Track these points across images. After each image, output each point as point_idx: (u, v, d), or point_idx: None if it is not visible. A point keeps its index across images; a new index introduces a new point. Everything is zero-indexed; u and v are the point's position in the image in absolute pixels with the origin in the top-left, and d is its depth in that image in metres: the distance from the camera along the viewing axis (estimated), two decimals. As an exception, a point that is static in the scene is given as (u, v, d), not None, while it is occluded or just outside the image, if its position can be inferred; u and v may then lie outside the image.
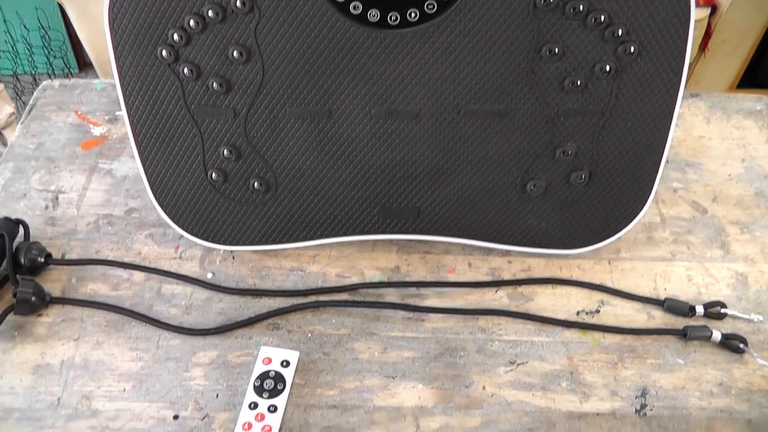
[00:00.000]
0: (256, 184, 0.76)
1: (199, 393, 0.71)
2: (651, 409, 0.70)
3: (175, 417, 0.70)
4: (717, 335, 0.74)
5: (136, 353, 0.74)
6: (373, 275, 0.81)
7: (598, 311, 0.78)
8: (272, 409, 0.69)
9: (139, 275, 0.81)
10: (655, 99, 0.70)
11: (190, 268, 0.82)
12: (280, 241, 0.81)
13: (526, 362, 0.74)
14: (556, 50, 0.67)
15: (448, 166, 0.74)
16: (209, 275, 0.81)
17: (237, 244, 0.82)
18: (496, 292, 0.80)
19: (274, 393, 0.70)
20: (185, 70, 0.69)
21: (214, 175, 0.76)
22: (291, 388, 0.71)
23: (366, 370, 0.73)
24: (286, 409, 0.69)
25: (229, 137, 0.74)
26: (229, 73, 0.70)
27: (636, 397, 0.71)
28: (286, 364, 0.72)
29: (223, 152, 0.75)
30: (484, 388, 0.72)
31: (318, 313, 0.78)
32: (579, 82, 0.68)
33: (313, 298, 0.79)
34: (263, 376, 0.71)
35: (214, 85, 0.70)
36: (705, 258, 0.83)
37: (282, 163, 0.75)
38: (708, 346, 0.75)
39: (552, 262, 0.82)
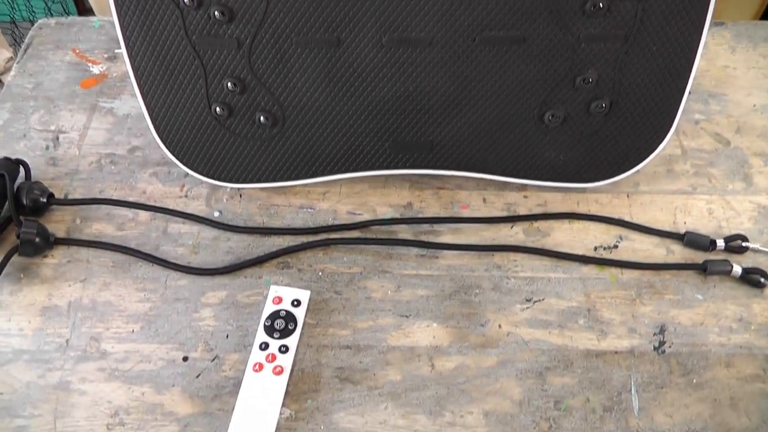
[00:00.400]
0: (262, 118, 0.73)
1: (208, 334, 0.70)
2: (670, 346, 0.68)
3: (185, 358, 0.68)
4: (737, 269, 0.72)
5: (143, 294, 0.72)
6: (385, 212, 0.78)
7: (616, 246, 0.75)
8: (283, 349, 0.67)
9: (144, 215, 0.79)
10: (682, 23, 0.65)
11: (196, 207, 0.79)
12: (289, 178, 0.78)
13: (543, 299, 0.71)
14: (579, -29, 0.62)
15: (462, 96, 0.70)
16: (216, 214, 0.78)
17: (244, 181, 0.79)
18: (512, 227, 0.77)
19: (285, 333, 0.68)
20: (185, -1, 0.65)
21: (218, 109, 0.73)
22: (302, 328, 0.69)
23: (379, 309, 0.71)
24: (297, 350, 0.68)
25: (232, 69, 0.70)
26: (232, 1, 0.65)
27: (654, 334, 0.69)
28: (297, 303, 0.70)
29: (227, 85, 0.71)
30: (500, 326, 0.70)
31: (329, 251, 0.75)
32: (602, 5, 0.64)
33: (323, 236, 0.76)
34: (274, 316, 0.69)
35: (216, 13, 0.66)
36: (726, 191, 0.79)
37: (289, 95, 0.71)
38: (728, 281, 0.73)
39: (569, 197, 0.79)
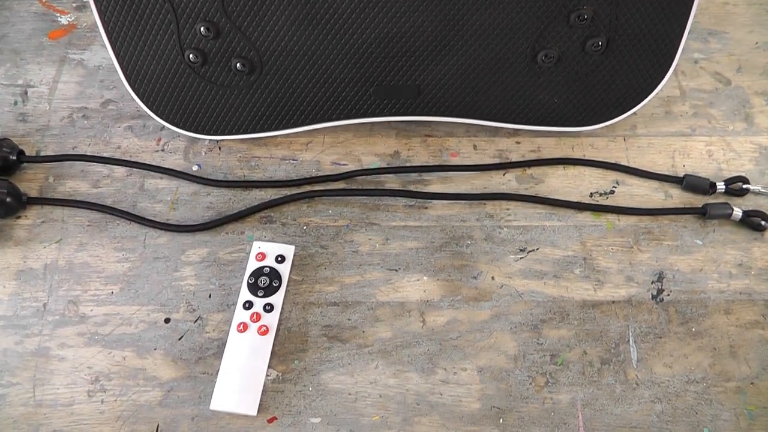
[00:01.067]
0: (238, 64, 0.68)
1: (190, 294, 0.66)
2: (668, 294, 0.65)
3: (167, 320, 0.65)
4: (738, 212, 0.68)
5: (122, 254, 0.69)
6: (371, 162, 0.74)
7: (612, 192, 0.71)
8: (268, 308, 0.64)
9: (120, 170, 0.74)
10: (684, -48, 0.60)
11: (174, 161, 0.74)
12: (269, 128, 0.73)
13: (537, 249, 0.68)
14: None
15: (449, 37, 0.65)
16: (195, 168, 0.74)
17: (223, 133, 0.74)
18: (504, 175, 0.73)
19: (270, 291, 0.65)
20: (147, -65, 0.59)
21: (191, 56, 0.67)
22: (287, 285, 0.66)
23: (367, 263, 0.67)
24: (283, 308, 0.64)
25: (205, 12, 0.65)
26: (198, -63, 0.60)
27: (652, 282, 0.66)
28: (281, 259, 0.66)
29: (200, 30, 0.65)
30: (492, 278, 0.66)
31: (313, 203, 0.71)
32: (598, -66, 0.59)
33: (307, 188, 0.72)
34: (257, 273, 0.65)
35: (182, -49, 0.60)
36: (727, 132, 0.75)
37: (266, 40, 0.66)
38: (728, 225, 0.69)
39: (563, 142, 0.75)
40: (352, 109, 0.71)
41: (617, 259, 0.67)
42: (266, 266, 0.66)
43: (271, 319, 0.63)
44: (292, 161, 0.74)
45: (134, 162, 0.74)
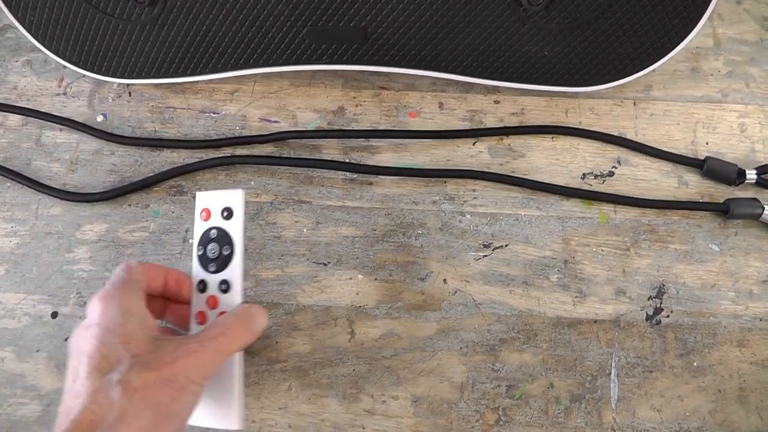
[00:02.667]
0: (135, -8, 0.51)
1: (82, 282, 0.52)
2: (667, 316, 0.50)
3: (54, 314, 0.51)
4: (771, 212, 0.52)
5: (10, 225, 0.54)
6: (309, 119, 0.57)
7: (611, 174, 0.55)
8: (224, 287, 0.44)
9: (14, 119, 0.59)
10: None
11: (76, 109, 0.59)
12: (184, 73, 0.56)
13: (506, 245, 0.52)
14: None
15: (404, -36, 0.47)
16: (99, 118, 0.58)
17: (131, 76, 0.58)
18: (474, 144, 0.56)
19: (222, 262, 0.44)
20: None
21: (77, -22, 0.51)
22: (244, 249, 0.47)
23: (290, 253, 0.52)
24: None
25: None
26: None
27: (649, 298, 0.50)
28: (227, 214, 0.45)
29: (83, -56, 0.49)
30: (445, 281, 0.51)
31: (233, 172, 0.55)
32: None
33: (228, 151, 0.56)
34: (204, 240, 0.45)
35: None
36: (769, 99, 0.57)
37: (165, -40, 0.49)
38: (754, 228, 0.52)
39: (555, 103, 0.57)
40: (282, 54, 0.54)
41: (607, 264, 0.51)
42: (212, 227, 0.45)
43: (231, 302, 0.43)
44: (212, 114, 0.58)
45: (31, 110, 0.58)
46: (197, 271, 0.45)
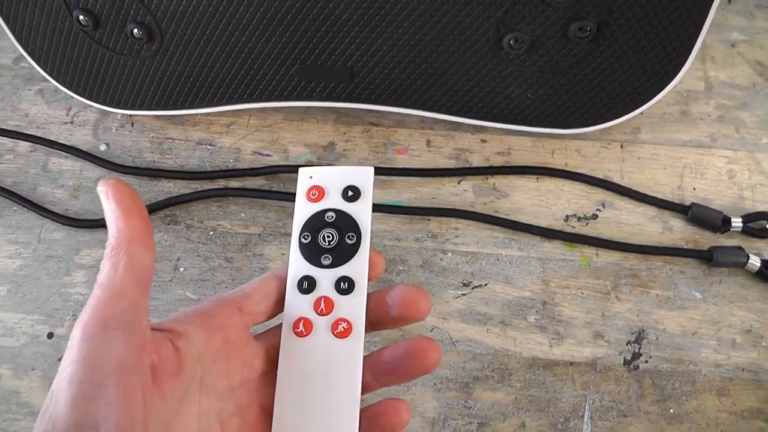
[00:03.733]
0: (135, 30, 0.52)
1: (78, 305, 0.53)
2: (646, 361, 0.49)
3: (50, 335, 0.52)
4: (755, 262, 0.50)
5: (15, 248, 0.56)
6: (300, 154, 0.58)
7: (595, 217, 0.54)
8: (345, 286, 0.34)
9: (24, 145, 0.61)
10: None
11: (82, 137, 0.61)
12: (182, 106, 0.58)
13: (485, 285, 0.52)
14: None
15: (384, 9, 0.48)
16: (103, 147, 0.60)
17: (133, 107, 0.59)
18: (459, 183, 0.56)
19: (344, 254, 0.34)
20: None
21: (81, 17, 0.52)
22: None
23: (273, 284, 0.53)
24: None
25: (88, -37, 0.50)
26: None
27: (628, 342, 0.49)
28: (353, 194, 0.36)
29: (85, -16, 0.51)
30: (423, 317, 0.51)
31: (225, 203, 0.56)
32: None
33: (221, 183, 0.57)
34: (315, 224, 0.35)
35: None
36: (758, 146, 0.56)
37: (161, 3, 0.50)
38: (739, 276, 0.51)
39: (542, 144, 0.57)
40: (273, 91, 0.55)
41: (587, 307, 0.51)
42: (329, 210, 0.35)
43: (354, 306, 0.33)
44: (209, 146, 0.59)
45: (40, 138, 0.60)
46: (298, 265, 0.35)
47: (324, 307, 0.33)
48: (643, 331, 0.50)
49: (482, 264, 0.52)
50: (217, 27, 0.51)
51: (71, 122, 0.62)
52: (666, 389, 0.48)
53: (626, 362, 0.49)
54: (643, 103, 0.52)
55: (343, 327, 0.33)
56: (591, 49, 0.48)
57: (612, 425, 0.47)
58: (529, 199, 0.55)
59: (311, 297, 0.33)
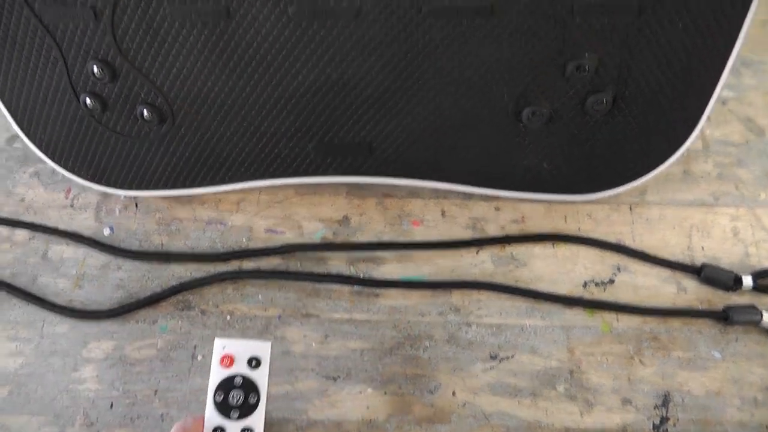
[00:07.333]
0: (145, 112, 0.50)
1: (89, 402, 0.50)
2: (674, 424, 0.49)
3: None
4: (769, 318, 0.51)
5: (15, 345, 0.53)
6: (315, 229, 0.57)
7: (611, 281, 0.54)
8: None
9: (21, 233, 0.58)
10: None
11: (83, 221, 0.58)
12: (191, 185, 0.56)
13: (513, 356, 0.51)
14: None
15: (407, 86, 0.47)
16: (107, 231, 0.57)
17: (138, 187, 0.57)
18: (478, 253, 0.55)
19: (246, 410, 0.44)
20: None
21: (88, 100, 0.50)
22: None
23: (299, 368, 0.51)
24: None
25: (96, 49, 0.47)
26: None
27: (655, 406, 0.49)
28: (255, 363, 0.45)
29: (93, 70, 0.48)
30: (454, 393, 0.50)
31: (240, 285, 0.54)
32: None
33: (235, 264, 0.55)
34: (226, 386, 0.44)
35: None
36: (757, 201, 0.57)
37: (174, 84, 0.49)
38: (754, 333, 0.52)
39: (554, 210, 0.57)
40: (288, 167, 0.53)
41: (613, 373, 0.50)
42: (237, 375, 0.45)
43: None
44: (219, 225, 0.57)
45: (38, 225, 0.58)
46: (213, 417, 0.43)
47: None
48: (669, 394, 0.50)
49: (507, 335, 0.52)
50: (232, 107, 0.49)
51: (71, 205, 0.59)
52: (697, 452, 0.48)
53: (655, 427, 0.49)
54: (655, 167, 0.53)
55: None
56: (606, 120, 0.49)
57: (648, 492, 0.47)
58: (547, 267, 0.55)
59: None
